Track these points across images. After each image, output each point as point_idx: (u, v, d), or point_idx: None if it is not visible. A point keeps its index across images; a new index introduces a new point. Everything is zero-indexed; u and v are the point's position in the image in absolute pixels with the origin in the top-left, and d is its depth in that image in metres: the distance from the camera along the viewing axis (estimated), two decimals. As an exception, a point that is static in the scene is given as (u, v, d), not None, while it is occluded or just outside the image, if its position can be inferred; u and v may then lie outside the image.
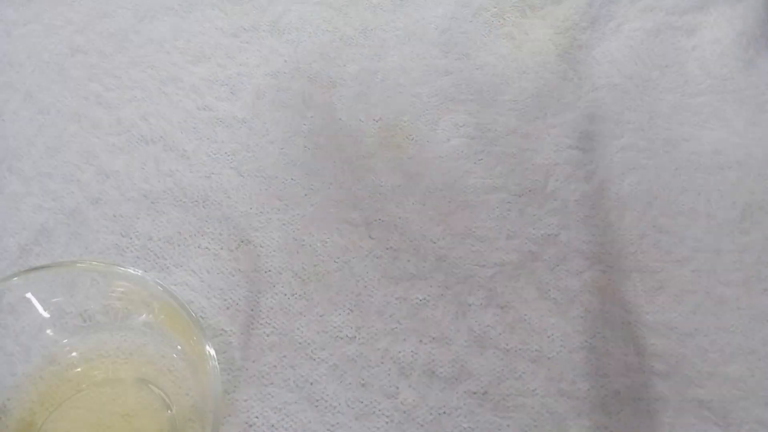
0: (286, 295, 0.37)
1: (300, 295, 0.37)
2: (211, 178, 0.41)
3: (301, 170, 0.42)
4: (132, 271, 0.32)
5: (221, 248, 0.39)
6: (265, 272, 0.38)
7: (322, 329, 0.36)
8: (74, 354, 0.34)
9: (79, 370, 0.33)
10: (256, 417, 0.34)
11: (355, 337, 0.36)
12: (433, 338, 0.36)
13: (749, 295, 0.38)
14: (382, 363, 0.35)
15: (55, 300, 0.33)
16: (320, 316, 0.36)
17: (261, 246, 0.39)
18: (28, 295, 0.32)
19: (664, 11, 0.50)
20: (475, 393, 0.34)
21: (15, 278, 0.31)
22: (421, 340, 0.36)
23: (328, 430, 0.33)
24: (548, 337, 0.36)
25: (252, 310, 0.37)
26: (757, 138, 0.44)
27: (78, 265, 0.33)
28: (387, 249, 0.39)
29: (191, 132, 0.43)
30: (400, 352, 0.36)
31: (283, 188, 0.41)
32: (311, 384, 0.35)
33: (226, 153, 0.43)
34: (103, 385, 0.33)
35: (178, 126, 0.44)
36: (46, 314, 0.33)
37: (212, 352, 0.31)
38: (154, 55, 0.47)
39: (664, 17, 0.50)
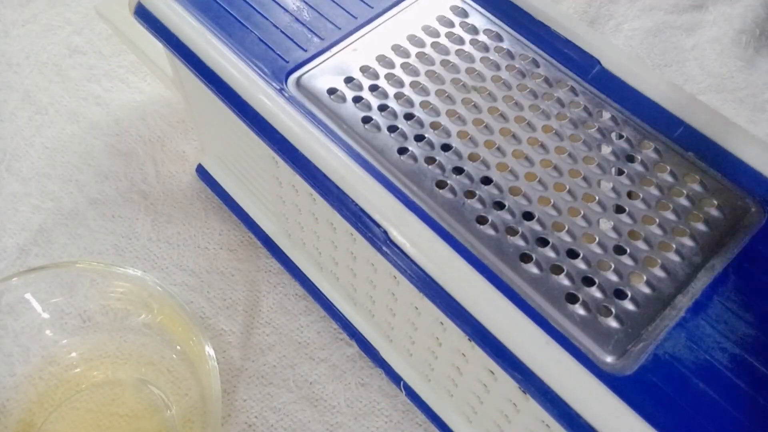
0: (286, 295, 0.37)
1: (300, 296, 0.37)
2: (211, 178, 0.41)
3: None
4: (131, 272, 0.32)
5: (221, 248, 0.39)
6: (265, 272, 0.38)
7: (322, 329, 0.36)
8: (73, 354, 0.34)
9: (78, 370, 0.33)
10: (256, 417, 0.34)
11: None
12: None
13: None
14: (382, 363, 0.35)
15: (54, 300, 0.33)
16: (321, 316, 0.36)
17: (261, 246, 0.39)
18: (27, 295, 0.32)
19: (664, 11, 0.50)
20: (475, 393, 0.34)
21: (14, 279, 0.31)
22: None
23: (327, 429, 0.33)
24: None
25: (252, 310, 0.37)
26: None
27: (77, 265, 0.32)
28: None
29: (190, 133, 0.43)
30: (399, 351, 0.36)
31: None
32: (311, 384, 0.35)
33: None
34: (103, 386, 0.33)
35: (176, 127, 0.43)
36: (45, 315, 0.33)
37: (211, 352, 0.31)
38: (153, 55, 0.47)
39: (664, 17, 0.50)
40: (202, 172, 0.40)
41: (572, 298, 0.23)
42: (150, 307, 0.33)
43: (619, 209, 0.25)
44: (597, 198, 0.25)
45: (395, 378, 0.33)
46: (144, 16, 0.30)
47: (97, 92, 0.45)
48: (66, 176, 0.41)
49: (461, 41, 0.29)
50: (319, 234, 0.31)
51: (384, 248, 0.24)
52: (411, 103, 0.27)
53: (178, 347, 0.33)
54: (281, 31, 0.29)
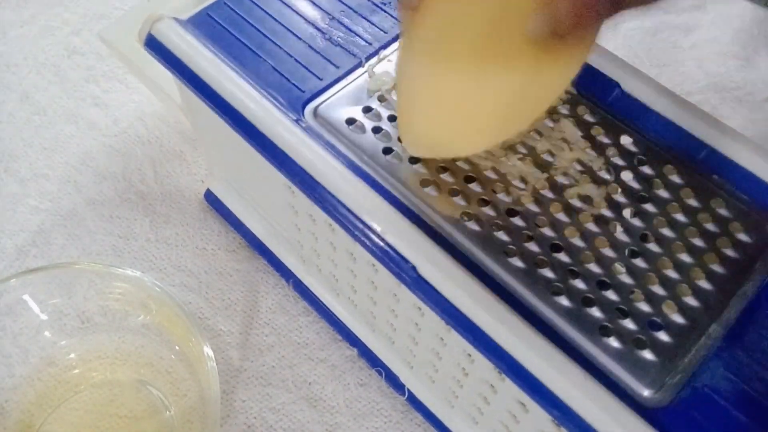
0: (285, 295, 0.37)
1: (299, 296, 0.37)
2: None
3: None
4: (130, 273, 0.32)
5: (219, 249, 0.39)
6: (264, 273, 0.38)
7: (321, 329, 0.36)
8: (72, 355, 0.34)
9: (77, 371, 0.33)
10: (255, 417, 0.34)
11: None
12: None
13: None
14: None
15: (52, 302, 0.33)
16: (320, 317, 0.36)
17: (259, 246, 0.39)
18: (26, 296, 0.32)
19: (662, 10, 0.50)
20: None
21: (12, 280, 0.31)
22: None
23: (326, 430, 0.33)
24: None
25: (250, 310, 0.37)
26: (755, 136, 0.44)
27: (76, 266, 0.32)
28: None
29: (188, 134, 0.43)
30: (399, 352, 0.35)
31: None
32: (310, 384, 0.35)
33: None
34: (102, 387, 0.33)
35: (174, 127, 0.43)
36: (43, 316, 0.33)
37: (210, 352, 0.31)
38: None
39: (663, 16, 0.50)
40: (210, 198, 0.39)
41: (606, 331, 0.22)
42: (148, 308, 0.33)
43: (646, 237, 0.24)
44: (623, 227, 0.24)
45: (417, 404, 0.33)
46: (155, 47, 0.29)
47: (95, 93, 0.45)
48: (64, 177, 0.41)
49: None
50: (337, 262, 0.31)
51: (412, 283, 0.24)
52: None
53: (177, 348, 0.33)
54: (295, 59, 0.28)
